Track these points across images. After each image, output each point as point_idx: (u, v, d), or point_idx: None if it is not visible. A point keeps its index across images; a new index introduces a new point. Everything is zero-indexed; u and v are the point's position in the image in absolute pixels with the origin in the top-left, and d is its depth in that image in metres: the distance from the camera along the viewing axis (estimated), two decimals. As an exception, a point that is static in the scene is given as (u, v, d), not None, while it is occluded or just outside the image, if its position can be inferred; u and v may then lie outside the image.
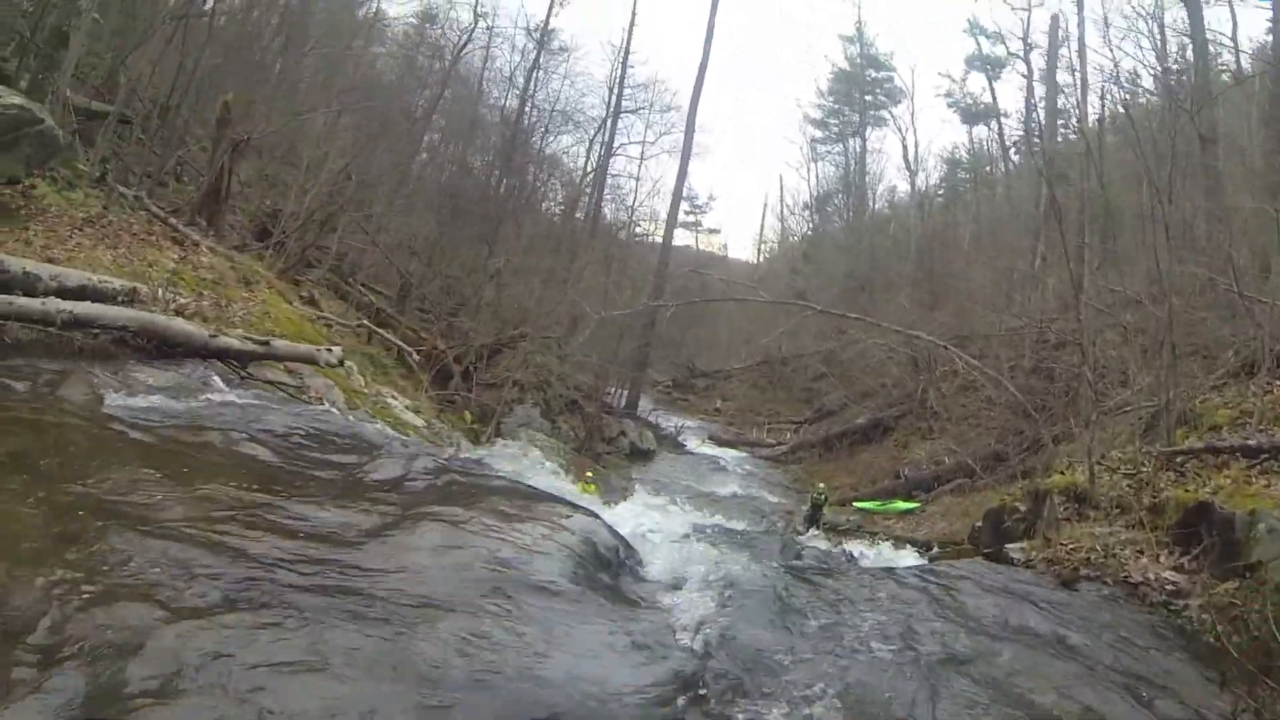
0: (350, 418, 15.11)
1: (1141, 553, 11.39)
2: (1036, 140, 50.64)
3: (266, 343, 14.86)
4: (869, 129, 74.09)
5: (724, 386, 62.85)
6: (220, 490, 8.39)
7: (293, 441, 11.06)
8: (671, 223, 56.16)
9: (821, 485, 32.42)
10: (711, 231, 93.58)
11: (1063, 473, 15.26)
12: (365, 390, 18.13)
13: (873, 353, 44.02)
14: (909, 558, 15.62)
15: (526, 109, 54.95)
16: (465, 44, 51.25)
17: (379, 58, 50.85)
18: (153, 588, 6.12)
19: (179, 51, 26.86)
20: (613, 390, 45.21)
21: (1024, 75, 56.20)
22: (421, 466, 11.05)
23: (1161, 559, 11.18)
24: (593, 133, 58.60)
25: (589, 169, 57.64)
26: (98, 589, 5.91)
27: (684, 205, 77.33)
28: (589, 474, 28.17)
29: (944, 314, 42.32)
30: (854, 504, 34.48)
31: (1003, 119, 61.23)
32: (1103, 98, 43.64)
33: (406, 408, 18.93)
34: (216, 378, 13.59)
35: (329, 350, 15.92)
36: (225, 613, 5.98)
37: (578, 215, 56.44)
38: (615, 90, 58.38)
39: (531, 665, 6.47)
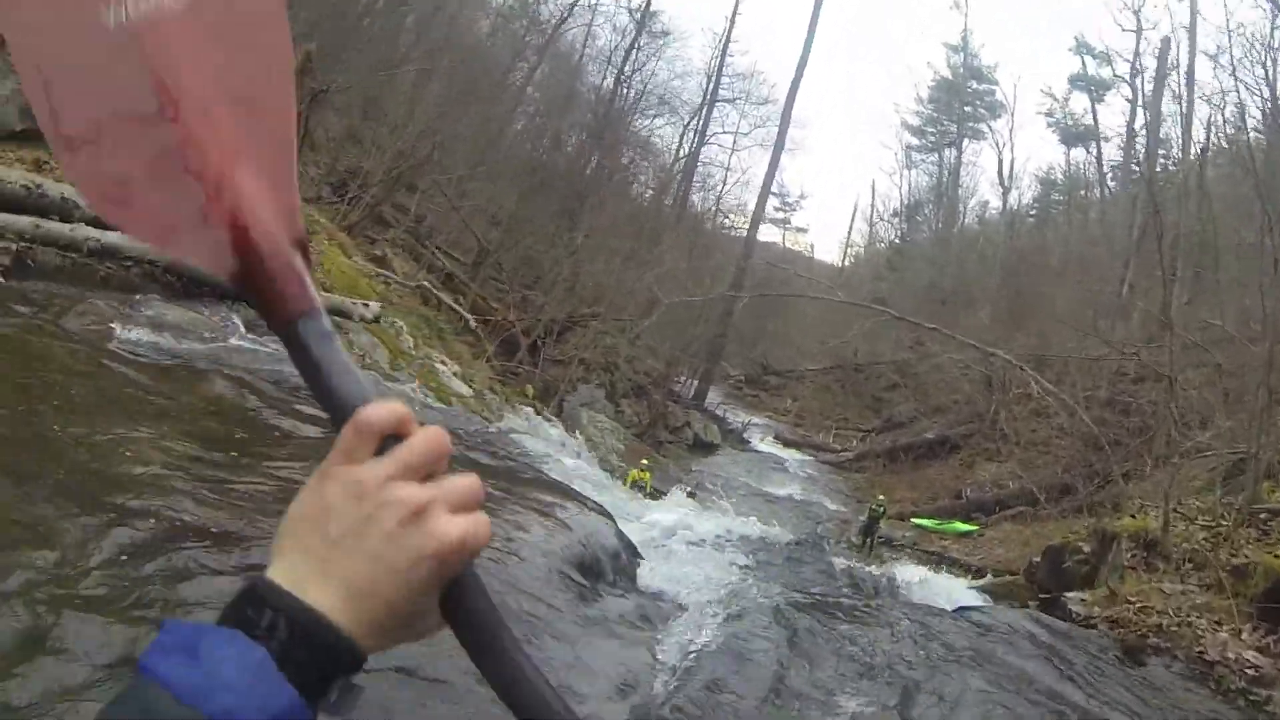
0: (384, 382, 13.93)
1: (1219, 624, 9.81)
2: (1136, 167, 48.76)
3: None
4: (965, 141, 72.31)
5: (795, 387, 61.19)
6: (169, 434, 7.57)
7: (289, 393, 10.06)
8: (758, 215, 54.94)
9: (881, 497, 31.18)
10: (799, 230, 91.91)
11: (1134, 516, 13.59)
12: (413, 353, 16.98)
13: (948, 367, 42.46)
14: (959, 588, 13.98)
15: (621, 89, 53.62)
16: (565, 19, 50.14)
17: (477, 23, 49.57)
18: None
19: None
20: (682, 380, 44.10)
21: (1128, 99, 54.25)
22: None
23: (1244, 635, 9.61)
24: (687, 119, 57.36)
25: (680, 155, 56.26)
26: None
27: (773, 201, 76.13)
28: (644, 462, 26.88)
29: (1024, 335, 40.54)
30: (912, 519, 33.09)
31: (1103, 142, 58.99)
32: (1208, 128, 41.56)
33: (455, 374, 17.74)
34: (239, 321, 12.53)
35: (365, 305, 14.80)
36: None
37: (665, 200, 55.06)
38: (713, 77, 57.25)
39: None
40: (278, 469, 7.51)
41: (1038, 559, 15.43)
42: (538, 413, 23.15)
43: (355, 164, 29.97)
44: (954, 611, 10.27)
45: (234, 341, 11.91)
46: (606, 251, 38.32)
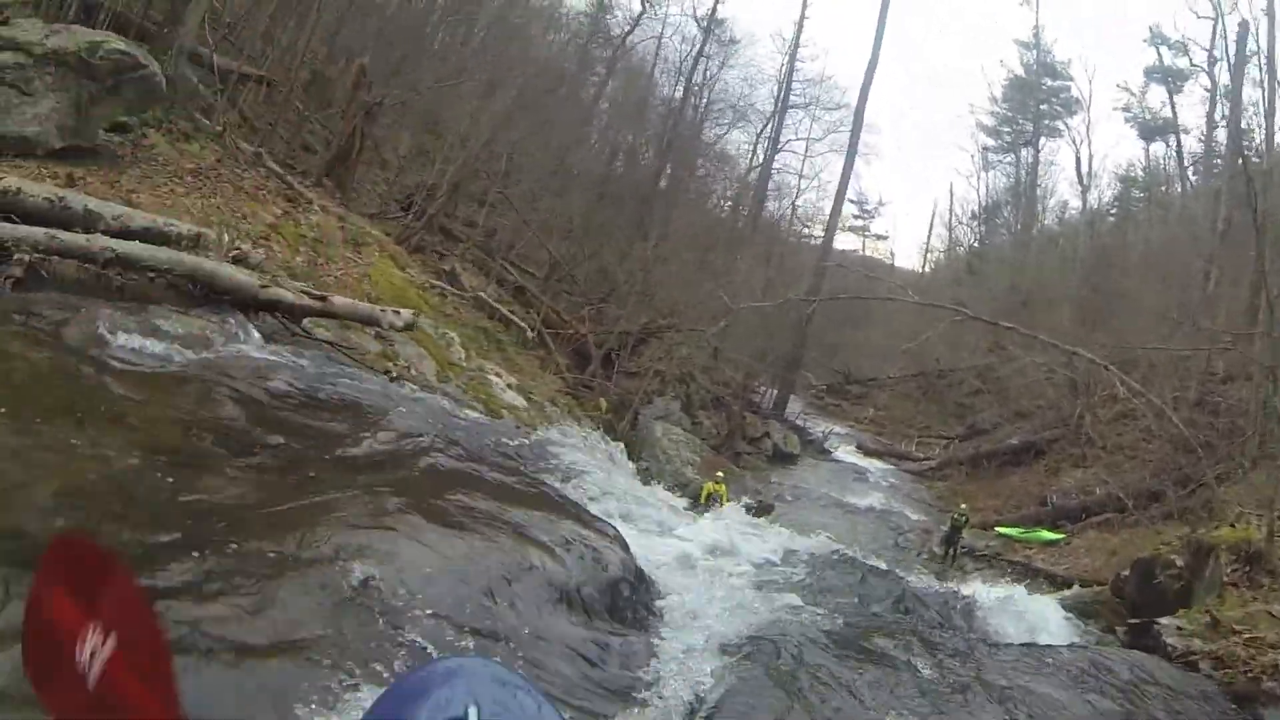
0: (423, 392, 13.19)
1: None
2: (1218, 160, 47.08)
3: (324, 298, 13.31)
4: (1042, 139, 70.29)
5: (877, 395, 60.07)
6: (116, 443, 7.07)
7: (280, 402, 9.65)
8: (833, 222, 53.72)
9: (964, 506, 30.18)
10: (879, 237, 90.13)
11: (1233, 525, 12.25)
12: (464, 364, 16.31)
13: (1030, 371, 41.12)
14: (1043, 608, 12.74)
15: (692, 99, 52.86)
16: (631, 31, 49.64)
17: (547, 41, 49.03)
18: None
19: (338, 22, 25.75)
20: (761, 390, 43.05)
21: (1207, 89, 52.49)
22: (426, 444, 8.95)
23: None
24: (760, 126, 56.53)
25: (755, 163, 55.40)
26: None
27: (852, 209, 75.44)
28: (719, 474, 26.33)
29: (1106, 334, 39.00)
30: (996, 528, 32.04)
31: (1182, 135, 57.25)
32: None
33: (510, 386, 17.02)
34: (255, 332, 12.07)
35: (397, 313, 14.11)
36: None
37: (741, 209, 54.22)
38: (784, 84, 56.39)
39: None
40: (223, 485, 6.77)
41: (1126, 573, 14.14)
42: (596, 425, 22.35)
43: (422, 179, 29.43)
44: (1033, 648, 9.03)
45: (246, 351, 11.20)
46: (681, 262, 37.45)
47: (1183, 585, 11.59)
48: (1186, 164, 57.17)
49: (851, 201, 75.40)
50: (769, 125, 56.66)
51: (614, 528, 8.64)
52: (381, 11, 33.25)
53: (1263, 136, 43.40)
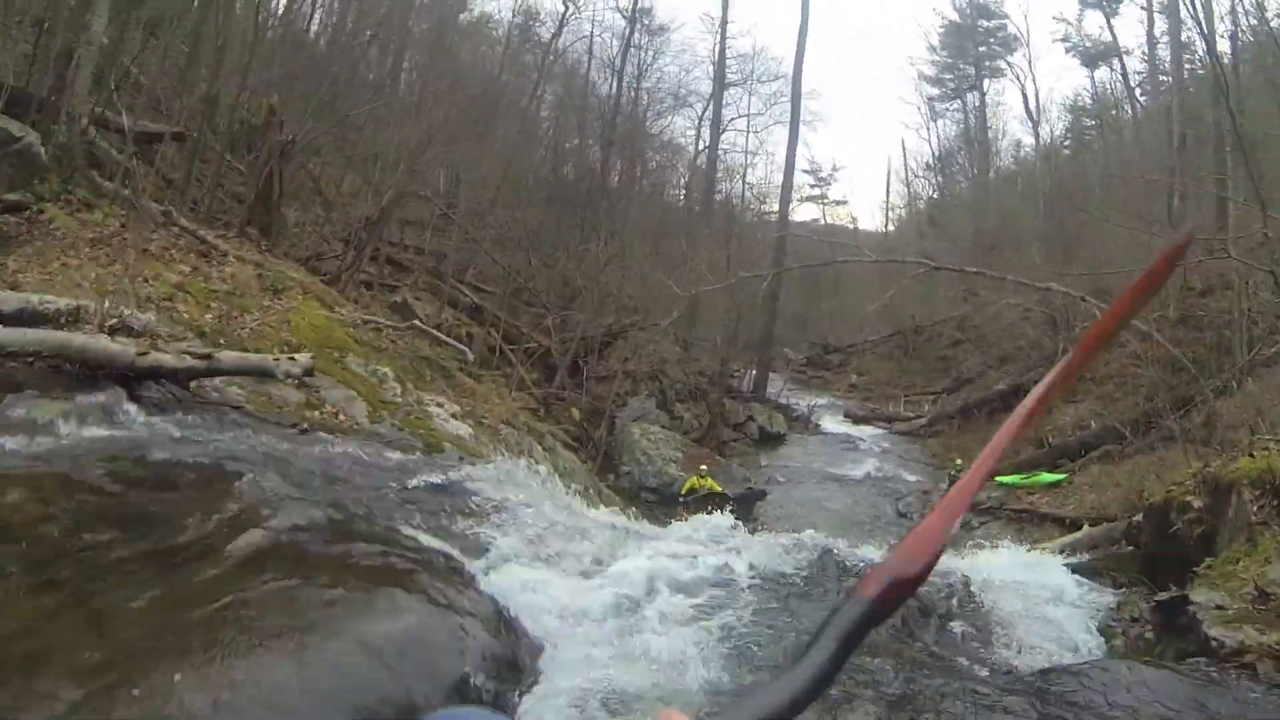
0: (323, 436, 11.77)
1: None
2: (1164, 78, 45.98)
3: (208, 356, 11.86)
4: (986, 81, 69.22)
5: (858, 361, 58.81)
6: None
7: (107, 490, 7.85)
8: (786, 194, 52.20)
9: (959, 462, 29.56)
10: (838, 203, 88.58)
11: (1252, 455, 10.73)
12: (399, 400, 14.93)
13: (1007, 314, 40.31)
14: (1050, 567, 11.22)
15: (628, 91, 51.63)
16: (559, 33, 48.65)
17: (478, 54, 47.78)
18: None
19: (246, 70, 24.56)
20: (739, 373, 41.69)
21: (1143, 7, 51.31)
22: (271, 515, 7.42)
23: None
24: (700, 110, 55.32)
25: (700, 147, 54.17)
26: None
27: (808, 178, 73.86)
28: (703, 467, 25.50)
29: (1078, 266, 37.80)
30: (995, 478, 30.40)
31: (1125, 57, 56.19)
32: (1234, 19, 38.45)
33: (455, 415, 15.64)
34: (131, 406, 10.42)
35: (292, 359, 12.77)
36: None
37: (695, 196, 53.03)
38: (718, 63, 55.30)
39: None
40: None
41: (1139, 519, 12.68)
42: (559, 440, 20.89)
43: (362, 213, 28.17)
44: (1048, 673, 7.35)
45: (101, 432, 9.62)
46: (636, 257, 36.20)
47: (1204, 532, 10.13)
48: (1133, 85, 55.96)
49: (805, 171, 74.59)
50: (708, 107, 55.49)
51: (491, 600, 6.96)
52: (309, 49, 32.08)
53: (1204, 46, 42.00)
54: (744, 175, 59.86)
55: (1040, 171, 58.98)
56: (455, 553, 7.84)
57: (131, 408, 10.41)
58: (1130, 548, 12.94)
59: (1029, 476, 30.11)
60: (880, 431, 43.52)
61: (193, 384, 11.91)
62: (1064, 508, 26.93)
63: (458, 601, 6.38)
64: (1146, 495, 24.17)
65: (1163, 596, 8.33)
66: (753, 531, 13.14)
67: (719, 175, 55.90)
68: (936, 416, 43.08)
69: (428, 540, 7.98)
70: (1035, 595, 9.83)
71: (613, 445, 28.30)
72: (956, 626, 8.80)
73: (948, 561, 11.07)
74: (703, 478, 24.79)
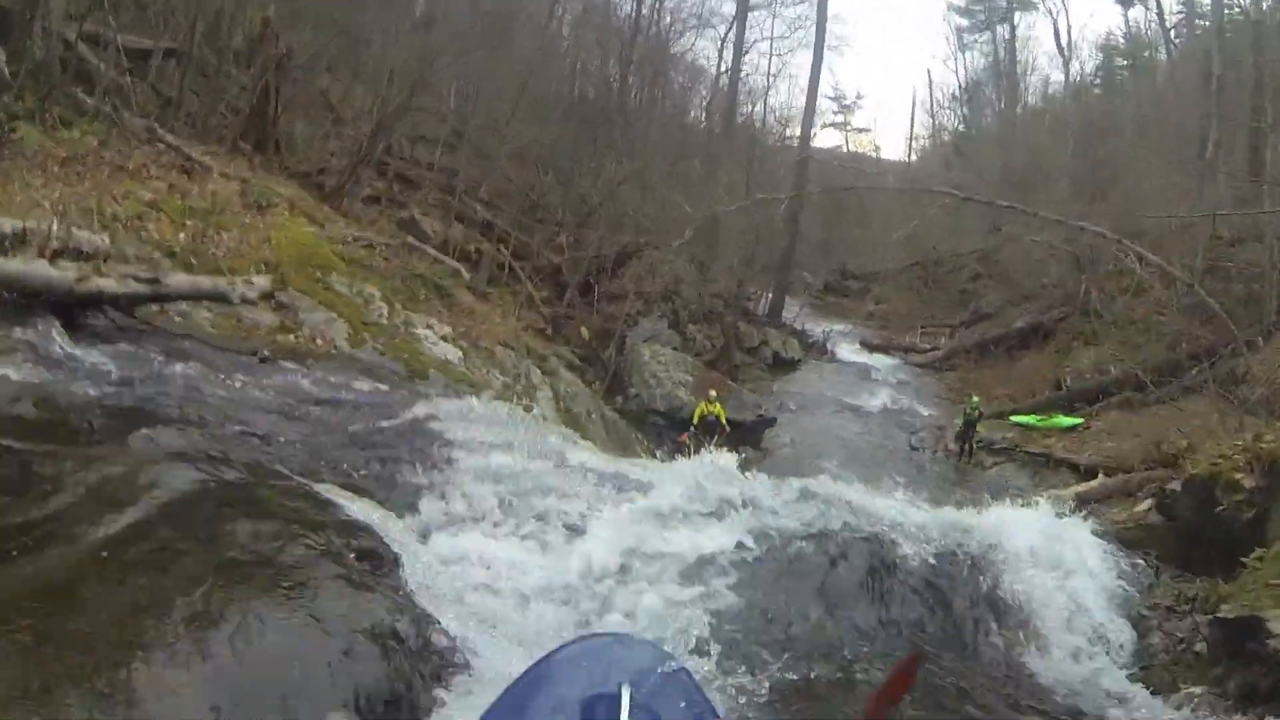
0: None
1: None
2: (1201, 21, 44.21)
3: (155, 280, 10.69)
4: (1018, 13, 66.56)
5: (878, 290, 57.34)
6: None
7: None
8: (809, 117, 50.85)
9: (976, 399, 28.50)
10: (861, 130, 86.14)
11: None
12: (385, 321, 13.82)
13: (1032, 251, 38.91)
14: (1075, 534, 10.04)
15: (648, 9, 49.77)
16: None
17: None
18: None
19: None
20: (755, 296, 40.41)
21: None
22: (175, 475, 6.09)
23: None
24: (724, 31, 53.55)
25: (723, 69, 52.44)
26: None
27: (831, 105, 71.82)
28: (712, 393, 24.13)
29: (1106, 207, 36.52)
30: (1011, 417, 30.04)
31: (1161, -3, 53.81)
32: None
33: (446, 338, 14.51)
34: (59, 337, 9.39)
35: (249, 283, 11.60)
36: None
37: (716, 118, 51.32)
38: (741, -19, 52.94)
39: None
40: None
41: (1175, 488, 11.53)
42: (553, 365, 19.64)
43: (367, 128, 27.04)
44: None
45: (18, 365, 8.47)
46: (658, 178, 34.84)
47: (1255, 514, 9.04)
48: (1168, 26, 53.83)
49: (829, 98, 72.57)
50: (731, 28, 53.68)
51: (408, 596, 5.57)
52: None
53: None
54: (765, 98, 58.18)
55: (1070, 109, 57.22)
56: (383, 523, 6.56)
57: (62, 340, 9.26)
58: (1162, 518, 11.81)
59: (1045, 419, 29.07)
60: (896, 361, 42.57)
61: (148, 309, 10.82)
62: (1080, 454, 25.87)
63: (361, 604, 5.03)
64: (1166, 448, 23.49)
65: (1227, 614, 7.10)
66: (758, 469, 11.91)
67: (741, 98, 54.24)
68: (953, 350, 42.09)
69: (353, 508, 6.59)
70: (1059, 567, 8.80)
71: (622, 366, 27.28)
72: (973, 611, 7.80)
73: (966, 521, 10.00)
74: (711, 403, 23.67)
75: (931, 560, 8.35)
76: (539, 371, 16.88)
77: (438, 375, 12.97)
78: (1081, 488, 23.12)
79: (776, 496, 9.23)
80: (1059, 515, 10.61)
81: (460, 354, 14.41)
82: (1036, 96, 67.57)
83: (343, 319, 13.06)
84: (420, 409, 9.89)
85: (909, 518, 9.41)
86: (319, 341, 12.25)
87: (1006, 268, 43.99)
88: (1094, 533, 10.40)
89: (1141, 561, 9.82)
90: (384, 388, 11.06)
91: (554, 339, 25.95)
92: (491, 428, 9.73)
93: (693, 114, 54.41)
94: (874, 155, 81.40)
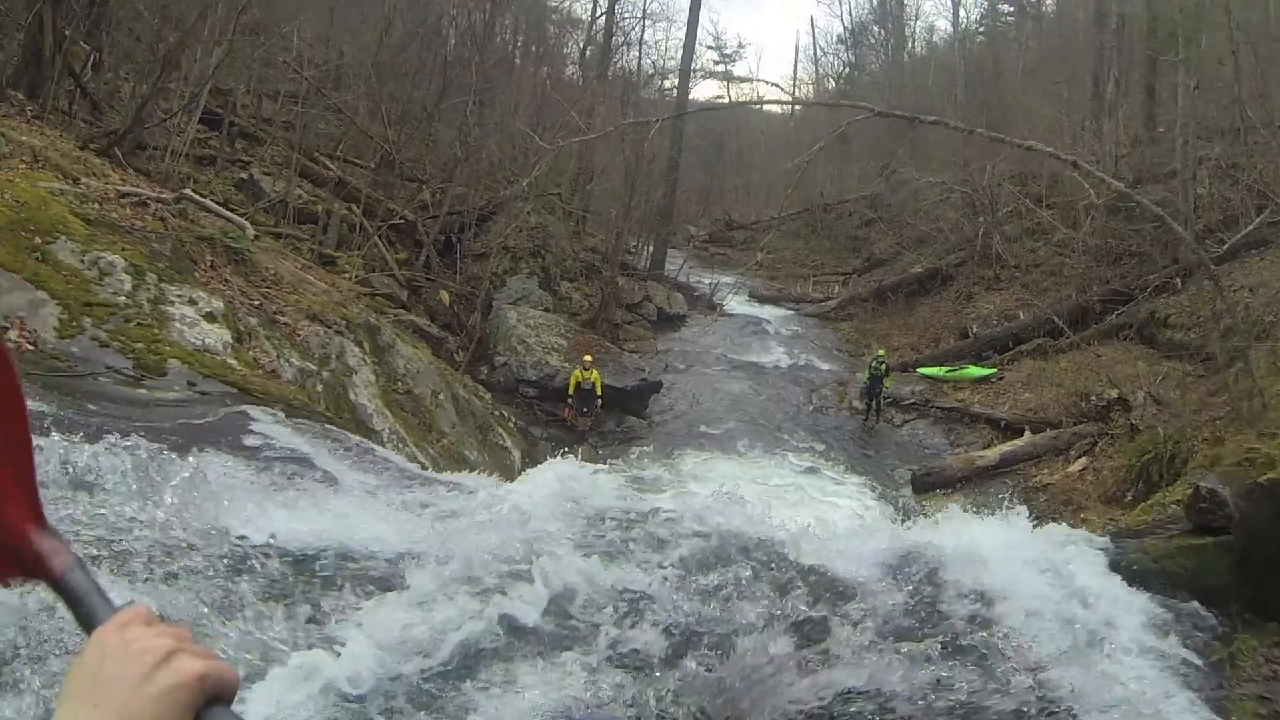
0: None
1: None
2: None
3: None
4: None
5: (764, 239, 53.80)
6: None
7: None
8: (687, 63, 46.22)
9: (881, 353, 25.36)
10: (744, 80, 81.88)
11: None
12: (123, 299, 9.57)
13: (925, 195, 35.58)
14: (1079, 561, 6.35)
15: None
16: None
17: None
18: None
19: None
20: (635, 250, 36.42)
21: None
22: None
23: None
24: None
25: (597, 15, 48.06)
26: None
27: (711, 55, 67.63)
28: (587, 358, 21.24)
29: (1004, 147, 33.44)
30: (917, 369, 27.19)
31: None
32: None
33: (211, 316, 10.21)
34: None
35: None
36: None
37: (588, 66, 47.07)
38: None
39: None
40: None
41: (1207, 485, 7.57)
42: (387, 338, 15.41)
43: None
44: None
45: None
46: (528, 128, 30.62)
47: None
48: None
49: (710, 47, 68.41)
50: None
51: None
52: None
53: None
54: (640, 42, 53.93)
55: (957, 54, 54.16)
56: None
57: None
58: (1201, 529, 7.97)
59: (955, 370, 26.29)
60: (788, 313, 39.04)
61: None
62: (998, 407, 23.43)
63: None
64: (1095, 400, 20.54)
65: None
66: (630, 462, 8.28)
67: (615, 43, 49.88)
68: (848, 299, 38.70)
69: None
70: (1069, 623, 5.25)
71: (488, 332, 23.32)
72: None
73: (902, 541, 6.59)
74: (587, 370, 20.83)
75: (876, 601, 4.85)
76: (360, 350, 12.72)
77: (181, 369, 8.92)
78: (1007, 446, 20.68)
79: (639, 526, 5.56)
80: (1036, 527, 7.26)
81: (230, 337, 10.19)
82: (922, 46, 64.52)
83: (56, 300, 8.88)
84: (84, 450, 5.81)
85: (829, 548, 6.03)
86: (14, 333, 8.14)
87: (898, 212, 40.83)
88: (1112, 565, 6.74)
89: (1197, 606, 6.15)
90: (47, 407, 6.94)
91: (411, 305, 22.08)
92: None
93: (568, 66, 50.23)
94: (757, 106, 77.76)
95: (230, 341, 10.10)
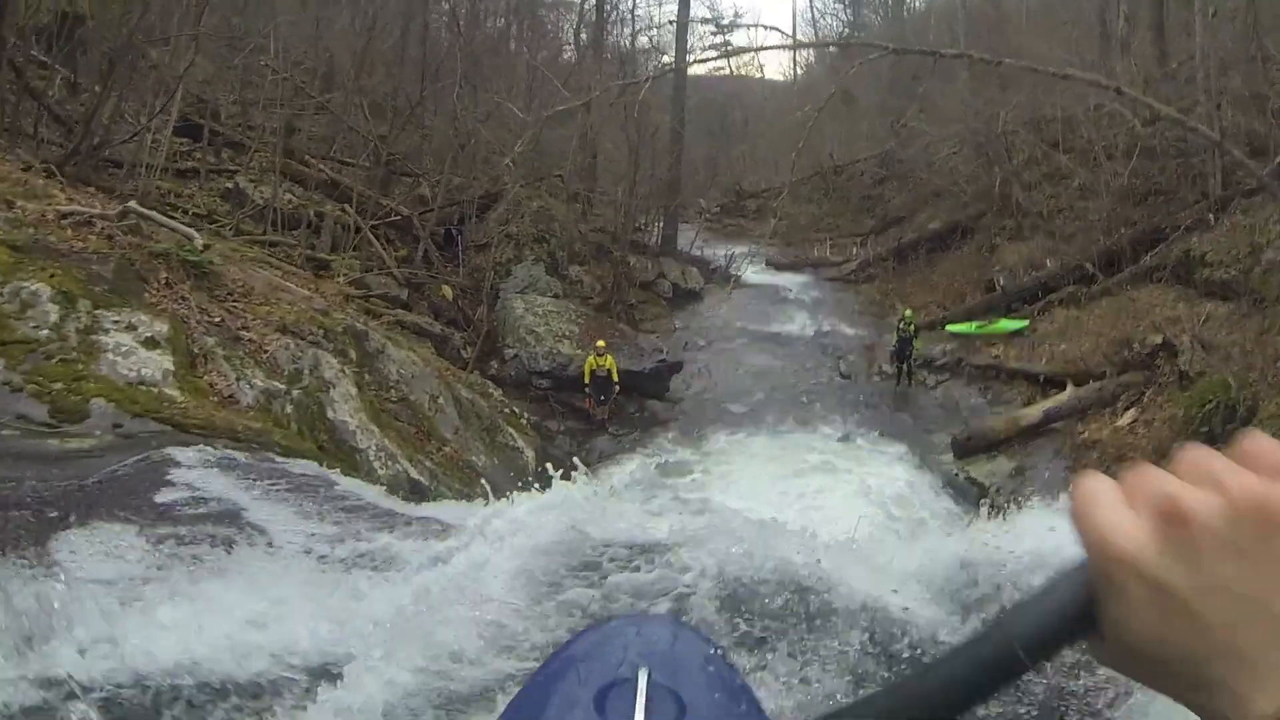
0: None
1: None
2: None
3: None
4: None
5: (776, 206, 52.42)
6: None
7: None
8: (682, 34, 44.54)
9: (909, 313, 23.78)
10: (743, 50, 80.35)
11: None
12: (47, 333, 8.19)
13: (937, 148, 34.69)
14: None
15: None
16: None
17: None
18: None
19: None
20: (645, 228, 35.03)
21: None
22: None
23: None
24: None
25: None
26: None
27: (709, 27, 66.19)
28: (600, 344, 19.91)
29: (1012, 95, 32.07)
30: (946, 328, 25.81)
31: None
32: None
33: (153, 341, 8.75)
34: None
35: None
36: None
37: (583, 47, 45.62)
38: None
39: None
40: None
41: None
42: (376, 342, 13.81)
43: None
44: None
45: None
46: (516, 116, 29.29)
47: None
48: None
49: (705, 21, 66.87)
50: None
51: None
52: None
53: None
54: (634, 16, 52.27)
55: (958, 3, 52.61)
56: None
57: None
58: None
59: (986, 325, 24.87)
60: (807, 279, 37.86)
61: None
62: (1035, 362, 21.79)
63: None
64: (1139, 348, 19.19)
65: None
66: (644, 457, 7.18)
67: (607, 17, 48.24)
68: (867, 260, 37.45)
69: None
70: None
71: (495, 325, 21.94)
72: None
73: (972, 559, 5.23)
74: (601, 356, 19.53)
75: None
76: (339, 361, 11.22)
77: (107, 409, 7.52)
78: (1050, 403, 19.22)
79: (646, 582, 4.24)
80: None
81: (173, 364, 8.72)
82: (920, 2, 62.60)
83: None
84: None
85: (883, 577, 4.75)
86: None
87: (911, 168, 39.39)
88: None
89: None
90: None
91: (413, 304, 20.81)
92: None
93: (567, 52, 48.86)
94: (757, 76, 76.27)
95: (172, 369, 8.67)
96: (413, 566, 5.06)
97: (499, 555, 5.01)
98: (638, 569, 4.86)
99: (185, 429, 7.63)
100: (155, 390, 8.23)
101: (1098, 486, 0.69)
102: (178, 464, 6.14)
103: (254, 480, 6.17)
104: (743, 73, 70.92)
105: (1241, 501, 0.62)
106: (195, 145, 22.07)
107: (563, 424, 20.02)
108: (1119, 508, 0.66)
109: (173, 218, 14.49)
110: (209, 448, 6.60)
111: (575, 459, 8.03)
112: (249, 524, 5.34)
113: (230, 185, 21.30)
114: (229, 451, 6.73)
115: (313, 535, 5.43)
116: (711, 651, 1.16)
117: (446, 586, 4.52)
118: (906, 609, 4.69)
